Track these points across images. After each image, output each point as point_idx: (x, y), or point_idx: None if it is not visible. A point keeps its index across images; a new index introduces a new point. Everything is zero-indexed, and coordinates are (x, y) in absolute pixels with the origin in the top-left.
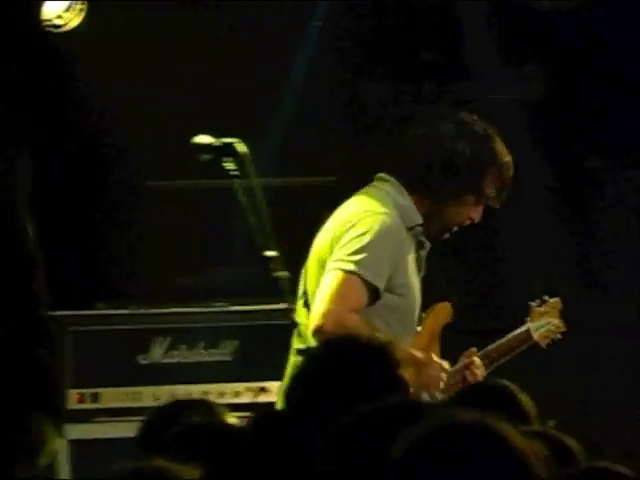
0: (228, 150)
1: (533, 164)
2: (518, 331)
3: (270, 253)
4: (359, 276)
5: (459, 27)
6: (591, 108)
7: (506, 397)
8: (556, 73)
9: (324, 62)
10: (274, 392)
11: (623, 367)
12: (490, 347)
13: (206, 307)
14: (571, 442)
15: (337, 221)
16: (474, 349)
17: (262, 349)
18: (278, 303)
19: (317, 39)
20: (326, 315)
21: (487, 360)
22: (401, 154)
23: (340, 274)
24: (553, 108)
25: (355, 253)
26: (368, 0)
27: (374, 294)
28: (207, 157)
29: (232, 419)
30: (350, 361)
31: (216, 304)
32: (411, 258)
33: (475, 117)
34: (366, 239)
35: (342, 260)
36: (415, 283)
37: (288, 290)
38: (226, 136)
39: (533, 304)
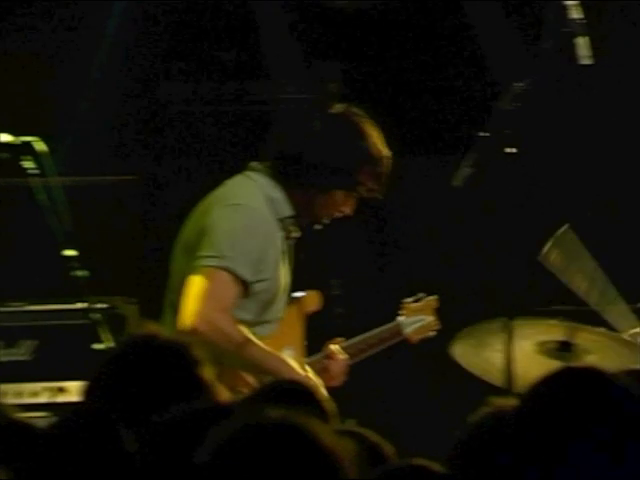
0: (26, 149)
1: None
2: (388, 325)
3: (69, 252)
4: (229, 271)
5: (258, 27)
6: (388, 107)
7: (305, 394)
8: (353, 73)
9: (124, 61)
10: (73, 392)
11: (423, 366)
12: (358, 338)
13: (3, 306)
14: (381, 441)
15: (204, 211)
16: (340, 339)
17: (60, 349)
18: (76, 303)
19: (116, 38)
20: (197, 315)
21: (353, 350)
22: (273, 146)
23: (210, 270)
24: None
25: (223, 246)
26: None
27: (244, 287)
28: (4, 155)
29: (24, 418)
30: (148, 361)
31: (14, 304)
32: (279, 248)
33: (353, 110)
34: (234, 232)
35: (210, 256)
36: (283, 273)
37: (87, 290)
38: (25, 135)
39: (407, 300)
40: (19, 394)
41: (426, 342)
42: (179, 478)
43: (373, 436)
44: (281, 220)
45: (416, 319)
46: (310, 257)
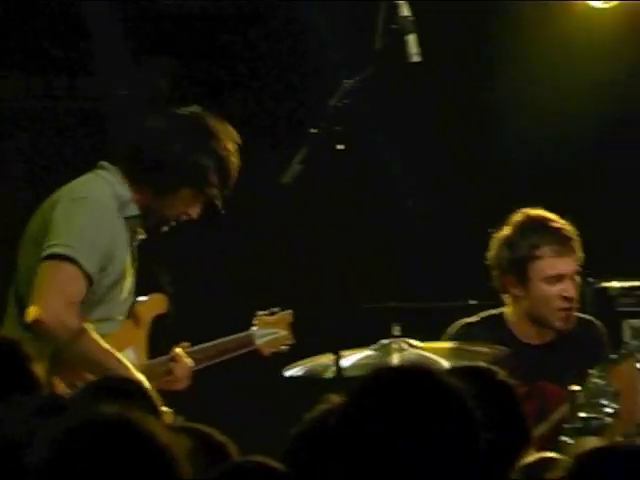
0: None
1: None
2: (240, 335)
3: None
4: (75, 263)
5: (87, 23)
6: (218, 105)
7: (137, 391)
8: (184, 70)
9: None
10: None
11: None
12: (208, 344)
13: None
14: (222, 437)
15: (51, 205)
16: (187, 343)
17: None
18: None
19: None
20: (42, 307)
21: (201, 356)
22: (122, 145)
23: (55, 263)
24: (182, 104)
25: (69, 238)
26: None
27: (89, 281)
28: None
29: None
30: None
31: None
32: (125, 248)
33: (201, 112)
34: (81, 226)
35: (56, 245)
36: (128, 272)
37: None
38: None
39: (261, 313)
40: None
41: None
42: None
43: (218, 436)
44: (127, 219)
45: (269, 332)
46: (153, 260)
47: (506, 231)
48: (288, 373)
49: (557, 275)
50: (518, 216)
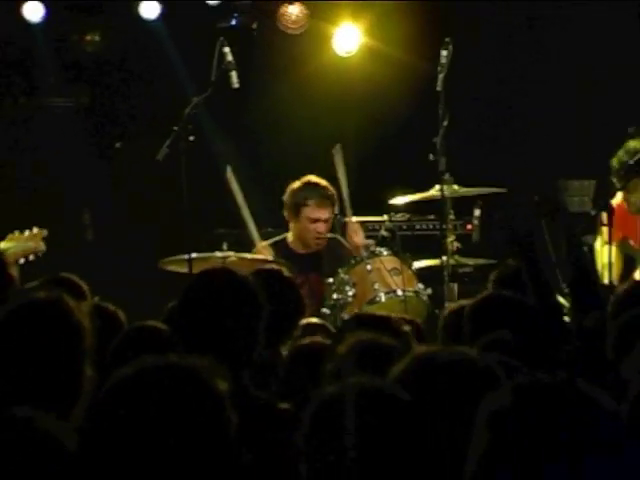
0: None
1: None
2: None
3: None
4: None
5: None
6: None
7: (65, 280)
8: None
9: None
10: None
11: None
12: None
13: None
14: (121, 314)
15: None
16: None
17: None
18: None
19: None
20: None
21: None
22: None
23: None
24: None
25: None
26: None
27: None
28: None
29: None
30: None
31: None
32: None
33: None
34: None
35: None
36: None
37: None
38: None
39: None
40: None
41: None
42: None
43: (116, 309)
44: None
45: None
46: None
47: (293, 185)
48: None
49: (315, 218)
50: (303, 179)
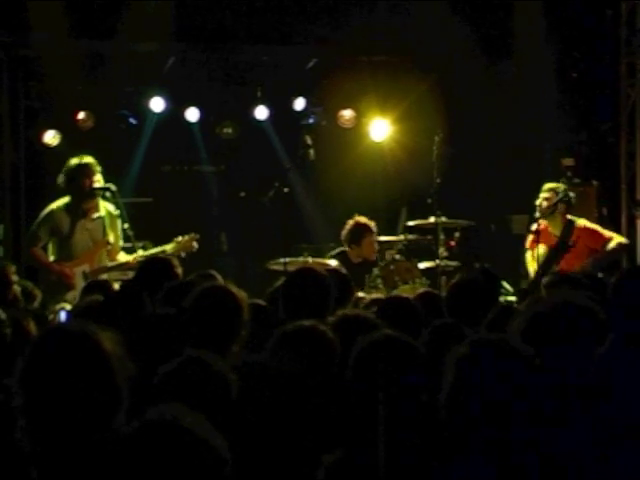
0: None
1: None
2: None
3: None
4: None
5: None
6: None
7: (209, 275)
8: None
9: None
10: None
11: None
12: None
13: None
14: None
15: None
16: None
17: None
18: None
19: None
20: None
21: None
22: None
23: None
24: None
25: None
26: None
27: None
28: None
29: None
30: None
31: None
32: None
33: None
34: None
35: None
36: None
37: None
38: None
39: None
40: None
41: None
42: None
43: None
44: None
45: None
46: None
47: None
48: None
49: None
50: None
